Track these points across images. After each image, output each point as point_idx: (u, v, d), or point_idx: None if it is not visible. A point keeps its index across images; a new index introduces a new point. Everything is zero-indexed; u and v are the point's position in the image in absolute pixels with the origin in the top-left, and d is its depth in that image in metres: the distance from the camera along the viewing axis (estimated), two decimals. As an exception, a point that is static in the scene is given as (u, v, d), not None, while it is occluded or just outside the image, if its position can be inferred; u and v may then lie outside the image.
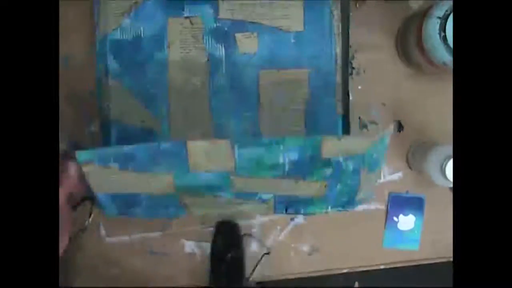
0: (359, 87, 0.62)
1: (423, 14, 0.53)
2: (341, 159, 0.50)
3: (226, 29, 0.60)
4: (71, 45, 0.61)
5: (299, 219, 0.62)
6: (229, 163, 0.49)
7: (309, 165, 0.50)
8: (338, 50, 0.60)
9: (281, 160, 0.50)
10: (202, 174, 0.50)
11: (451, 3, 0.50)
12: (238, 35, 0.60)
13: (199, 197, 0.54)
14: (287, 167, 0.50)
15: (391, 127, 0.50)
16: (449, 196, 0.62)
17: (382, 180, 0.62)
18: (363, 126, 0.62)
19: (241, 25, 0.60)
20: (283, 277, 0.63)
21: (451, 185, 0.54)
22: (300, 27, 0.60)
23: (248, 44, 0.60)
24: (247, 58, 0.60)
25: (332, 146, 0.49)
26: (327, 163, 0.50)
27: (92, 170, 0.49)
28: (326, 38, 0.60)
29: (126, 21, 0.59)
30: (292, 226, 0.63)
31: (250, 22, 0.59)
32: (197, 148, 0.48)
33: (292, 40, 0.60)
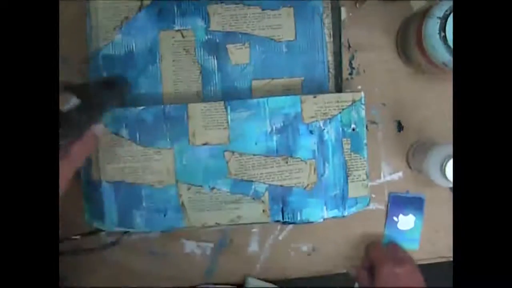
0: (359, 87, 0.62)
1: (423, 14, 0.53)
2: (321, 123, 0.57)
3: (217, 40, 0.60)
4: (71, 44, 0.61)
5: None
6: (223, 132, 0.57)
7: (293, 135, 0.58)
8: (330, 58, 0.60)
9: (268, 128, 0.57)
10: (200, 149, 0.57)
11: (451, 3, 0.50)
12: (230, 46, 0.60)
13: (197, 190, 0.58)
14: (274, 139, 0.57)
15: (362, 93, 0.57)
16: (449, 196, 0.62)
17: (382, 180, 0.63)
18: (363, 126, 0.62)
19: (232, 37, 0.60)
20: (283, 277, 0.63)
21: (451, 185, 0.54)
22: (291, 36, 0.60)
23: (240, 55, 0.60)
24: (239, 69, 0.60)
25: (310, 106, 0.57)
26: (309, 130, 0.57)
27: (104, 138, 0.56)
28: (317, 46, 0.60)
29: (118, 36, 0.60)
30: (291, 226, 0.63)
31: (241, 33, 0.60)
32: (196, 109, 0.57)
33: (284, 50, 0.60)
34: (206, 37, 0.60)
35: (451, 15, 0.49)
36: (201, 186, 0.59)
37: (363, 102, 0.58)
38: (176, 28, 0.60)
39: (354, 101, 0.58)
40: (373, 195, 0.62)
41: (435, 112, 0.62)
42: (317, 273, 0.63)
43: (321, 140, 0.58)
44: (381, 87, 0.62)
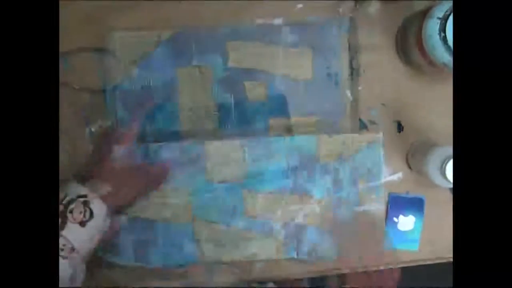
0: (359, 87, 0.62)
1: (423, 15, 0.53)
2: (336, 163, 0.59)
3: (235, 77, 0.60)
4: (70, 44, 0.61)
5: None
6: (240, 170, 0.58)
7: (308, 174, 0.59)
8: (348, 96, 0.61)
9: (284, 166, 0.58)
10: (217, 186, 0.58)
11: (451, 3, 0.50)
12: (247, 84, 0.60)
13: (213, 227, 0.59)
14: (290, 177, 0.59)
15: (381, 135, 0.59)
16: (449, 196, 0.62)
17: (382, 180, 0.62)
18: (363, 126, 0.62)
19: (250, 74, 0.60)
20: (283, 277, 0.63)
21: (451, 186, 0.54)
22: (309, 75, 0.60)
23: (257, 92, 0.60)
24: (256, 106, 0.60)
25: (325, 145, 0.58)
26: (324, 169, 0.58)
27: None
28: (334, 86, 0.60)
29: (135, 71, 0.60)
30: (292, 226, 0.63)
31: (259, 70, 0.60)
32: (213, 146, 0.58)
33: (301, 89, 0.60)
34: (224, 74, 0.60)
35: (451, 15, 0.49)
36: (217, 223, 0.59)
37: (381, 142, 0.58)
38: (194, 64, 0.59)
39: (371, 142, 0.58)
40: (373, 196, 0.62)
41: (435, 112, 0.62)
42: (317, 273, 0.63)
43: (336, 179, 0.59)
44: (381, 87, 0.62)
